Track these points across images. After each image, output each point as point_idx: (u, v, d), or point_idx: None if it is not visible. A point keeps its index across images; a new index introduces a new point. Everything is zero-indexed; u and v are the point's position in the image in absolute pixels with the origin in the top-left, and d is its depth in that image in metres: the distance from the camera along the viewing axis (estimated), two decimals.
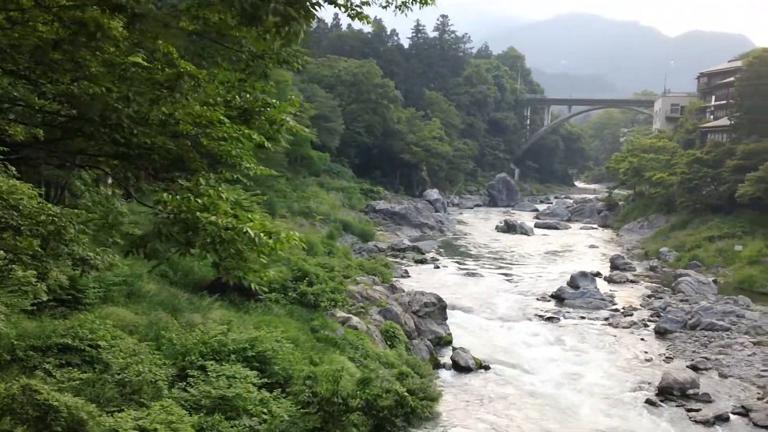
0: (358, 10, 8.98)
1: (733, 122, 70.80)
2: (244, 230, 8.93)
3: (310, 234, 45.36)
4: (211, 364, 16.53)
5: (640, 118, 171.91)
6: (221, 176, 11.12)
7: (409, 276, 46.10)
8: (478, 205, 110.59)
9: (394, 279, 41.29)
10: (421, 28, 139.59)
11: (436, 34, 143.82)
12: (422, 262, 53.31)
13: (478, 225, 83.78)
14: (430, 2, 9.47)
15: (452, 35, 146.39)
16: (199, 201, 9.29)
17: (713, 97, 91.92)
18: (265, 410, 14.84)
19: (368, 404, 12.93)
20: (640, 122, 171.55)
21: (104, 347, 16.18)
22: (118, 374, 15.23)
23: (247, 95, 10.88)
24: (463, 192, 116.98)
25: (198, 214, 9.13)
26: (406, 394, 13.26)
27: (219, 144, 10.74)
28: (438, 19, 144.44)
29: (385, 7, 9.49)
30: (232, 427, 13.87)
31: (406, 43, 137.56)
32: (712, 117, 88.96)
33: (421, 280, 45.44)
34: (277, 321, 22.53)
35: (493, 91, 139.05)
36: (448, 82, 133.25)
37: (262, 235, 9.11)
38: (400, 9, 9.51)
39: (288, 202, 56.73)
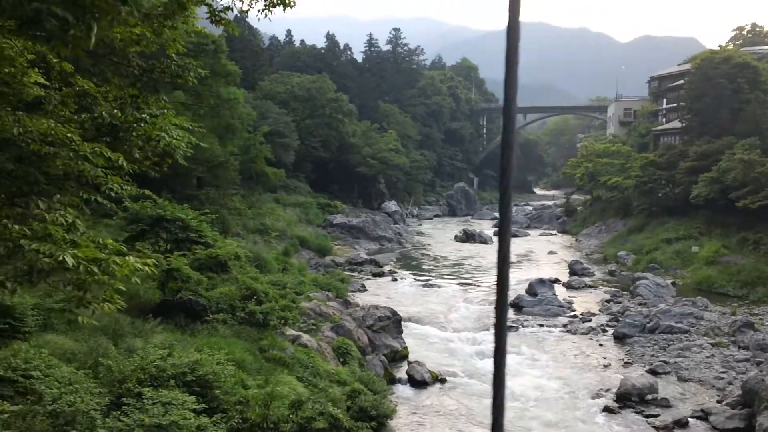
0: (222, 15, 8.52)
1: (684, 125, 71.55)
2: (60, 258, 8.23)
3: (263, 251, 44.68)
4: (148, 391, 15.78)
5: (595, 123, 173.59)
6: (66, 200, 10.31)
7: (366, 290, 45.49)
8: (437, 216, 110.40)
9: (350, 293, 40.72)
10: (374, 41, 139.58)
11: (389, 47, 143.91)
12: (380, 275, 52.76)
13: (437, 235, 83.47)
14: (292, 5, 9.07)
15: (405, 48, 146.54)
16: (16, 227, 8.62)
17: (664, 101, 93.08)
18: None
19: (301, 428, 12.30)
20: (596, 128, 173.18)
21: (37, 377, 15.40)
22: (50, 405, 14.47)
23: (116, 111, 10.19)
24: (422, 203, 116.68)
25: (22, 241, 8.45)
26: (341, 415, 12.65)
27: (76, 163, 9.96)
28: (390, 33, 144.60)
29: (246, 12, 9.07)
30: None
31: (359, 57, 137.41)
32: (664, 120, 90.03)
33: (379, 293, 44.90)
34: (223, 342, 21.74)
35: (448, 102, 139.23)
36: (402, 95, 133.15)
37: (87, 263, 8.42)
38: (262, 12, 9.06)
39: (243, 220, 55.89)
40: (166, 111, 11.07)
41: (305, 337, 25.59)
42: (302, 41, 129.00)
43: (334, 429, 12.58)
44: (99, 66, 9.36)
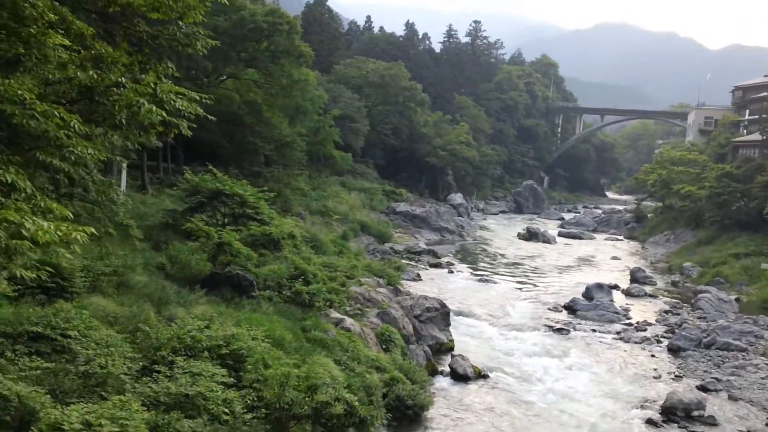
0: None
1: (765, 137, 69.00)
2: None
3: (321, 232, 44.93)
4: (181, 360, 15.92)
5: (675, 130, 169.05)
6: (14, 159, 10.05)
7: (420, 279, 45.32)
8: (503, 212, 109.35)
9: (404, 282, 40.56)
10: (453, 33, 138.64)
11: (468, 39, 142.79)
12: (437, 266, 52.51)
13: (500, 231, 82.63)
14: None
15: (485, 41, 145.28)
16: None
17: (747, 111, 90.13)
18: (227, 410, 14.19)
19: (316, 412, 12.20)
20: (676, 134, 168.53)
21: (75, 337, 15.67)
22: (83, 365, 14.71)
23: (91, 73, 9.93)
24: (489, 198, 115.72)
25: None
26: (356, 402, 12.49)
27: (39, 123, 9.58)
28: (471, 25, 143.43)
29: None
30: (184, 425, 13.23)
31: (437, 48, 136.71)
32: (745, 131, 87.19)
33: (433, 284, 44.68)
34: (264, 319, 21.83)
35: (524, 98, 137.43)
36: (478, 88, 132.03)
37: None
38: None
39: (307, 201, 56.30)
40: (165, 80, 10.91)
41: (349, 321, 25.57)
42: (381, 28, 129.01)
43: (349, 415, 12.43)
44: (109, 29, 9.27)
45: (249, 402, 13.56)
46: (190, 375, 15.13)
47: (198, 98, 11.16)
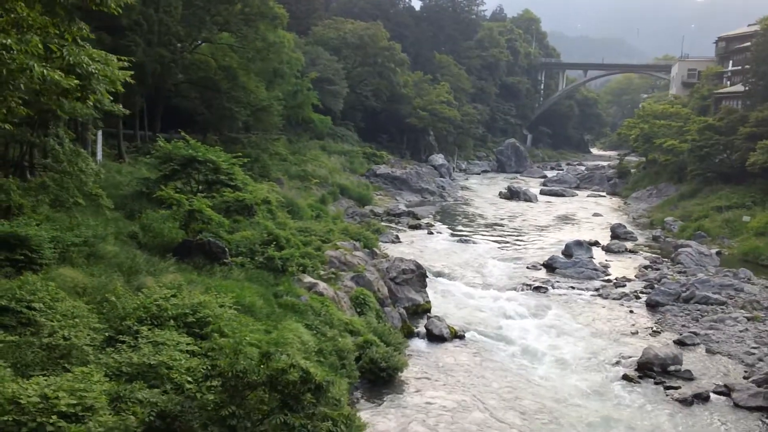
0: None
1: (747, 88, 68.62)
2: None
3: (299, 197, 44.67)
4: (145, 330, 15.75)
5: (659, 83, 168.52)
6: None
7: (399, 241, 45.20)
8: (485, 171, 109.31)
9: (383, 244, 40.45)
10: None
11: None
12: (416, 227, 52.41)
13: (482, 191, 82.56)
14: None
15: None
16: None
17: (731, 62, 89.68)
18: (190, 378, 14.03)
19: (271, 380, 12.08)
20: (660, 88, 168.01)
21: (40, 309, 15.44)
22: (46, 338, 14.53)
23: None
24: (472, 157, 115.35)
25: None
26: (311, 369, 12.37)
27: None
28: None
29: None
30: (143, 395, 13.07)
31: (417, 6, 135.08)
32: (728, 83, 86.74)
33: (412, 246, 44.56)
34: (235, 286, 21.63)
35: (505, 55, 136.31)
36: (459, 46, 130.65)
37: None
38: None
39: (286, 165, 55.86)
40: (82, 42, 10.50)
41: (322, 285, 25.41)
42: None
43: (304, 382, 12.31)
44: None
45: (204, 371, 13.43)
46: (153, 344, 14.99)
47: (117, 60, 10.72)
